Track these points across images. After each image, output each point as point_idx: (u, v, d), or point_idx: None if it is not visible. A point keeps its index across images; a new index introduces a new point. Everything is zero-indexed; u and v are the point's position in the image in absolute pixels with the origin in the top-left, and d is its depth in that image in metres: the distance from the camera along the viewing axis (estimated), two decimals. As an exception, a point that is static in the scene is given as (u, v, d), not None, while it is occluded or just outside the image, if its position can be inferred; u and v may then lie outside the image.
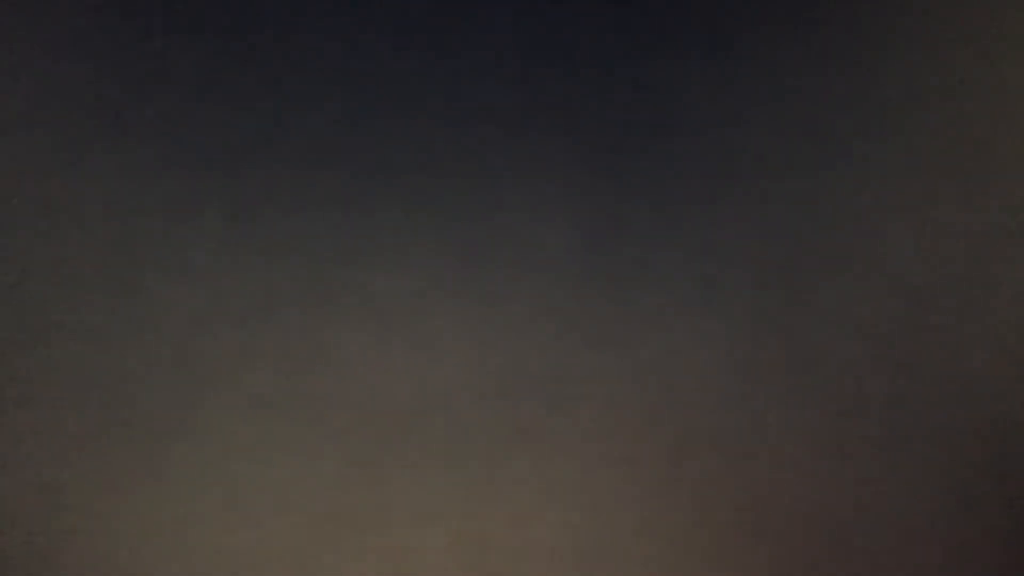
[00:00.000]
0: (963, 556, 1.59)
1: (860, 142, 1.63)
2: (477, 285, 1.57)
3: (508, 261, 1.57)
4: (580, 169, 1.59)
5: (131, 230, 1.52)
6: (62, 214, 1.51)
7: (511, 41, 1.60)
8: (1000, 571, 1.59)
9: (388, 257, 1.56)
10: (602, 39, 1.62)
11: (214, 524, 1.50)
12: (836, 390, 1.60)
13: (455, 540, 1.53)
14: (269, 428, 1.52)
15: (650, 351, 1.58)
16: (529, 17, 1.61)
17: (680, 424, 1.58)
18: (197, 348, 1.51)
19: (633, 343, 1.58)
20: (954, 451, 1.60)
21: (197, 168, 1.54)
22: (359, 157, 1.57)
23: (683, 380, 1.58)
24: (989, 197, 1.63)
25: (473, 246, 1.57)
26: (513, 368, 1.56)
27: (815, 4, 1.64)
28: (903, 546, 1.59)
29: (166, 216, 1.53)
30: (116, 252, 1.52)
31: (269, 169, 1.55)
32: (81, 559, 1.48)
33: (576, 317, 1.58)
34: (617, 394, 1.57)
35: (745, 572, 1.57)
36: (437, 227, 1.57)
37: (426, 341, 1.55)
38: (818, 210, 1.62)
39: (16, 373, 1.49)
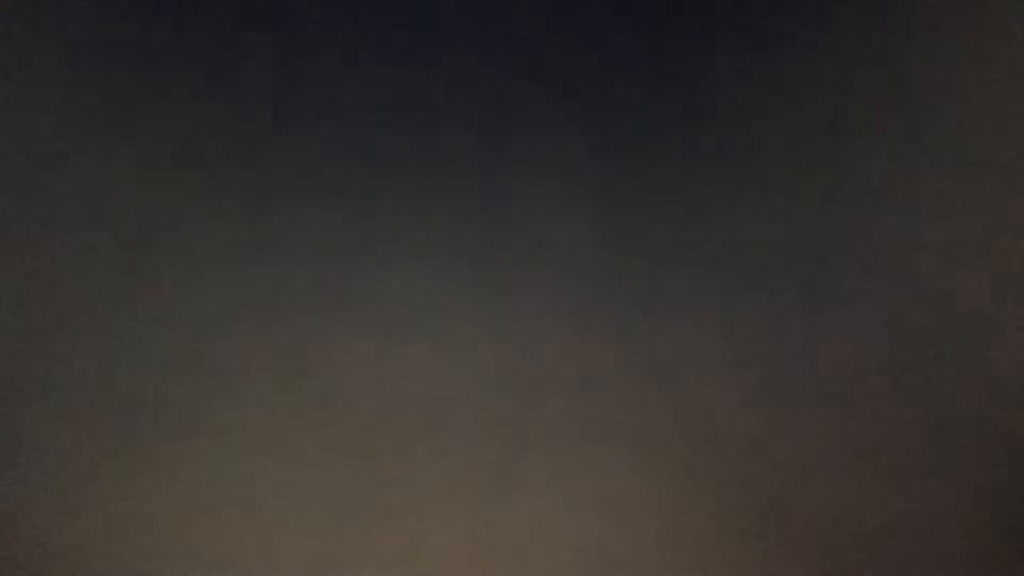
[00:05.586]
0: (992, 562, 1.56)
1: (887, 142, 1.61)
2: (491, 283, 1.56)
3: (523, 259, 1.57)
4: (597, 166, 1.58)
5: (141, 229, 1.53)
6: (71, 213, 1.52)
7: (527, 36, 1.60)
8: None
9: (401, 255, 1.55)
10: (621, 34, 1.61)
11: (226, 522, 1.50)
12: (861, 391, 1.57)
13: (470, 540, 1.53)
14: (281, 426, 1.52)
15: (670, 349, 1.57)
16: (546, 12, 1.60)
17: (701, 423, 1.56)
18: (209, 346, 1.52)
19: (652, 341, 1.57)
20: (983, 455, 1.57)
21: (207, 166, 1.54)
22: (370, 155, 1.57)
23: (704, 379, 1.57)
24: (1018, 203, 1.60)
25: (487, 243, 1.56)
26: (528, 367, 1.55)
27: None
28: (931, 550, 1.56)
29: (176, 214, 1.53)
30: (126, 251, 1.52)
31: (279, 168, 1.55)
32: (93, 556, 1.49)
33: (594, 315, 1.57)
34: (636, 393, 1.56)
35: (767, 574, 1.55)
36: (451, 225, 1.56)
37: (439, 340, 1.55)
38: (843, 210, 1.60)
39: (28, 372, 1.50)
